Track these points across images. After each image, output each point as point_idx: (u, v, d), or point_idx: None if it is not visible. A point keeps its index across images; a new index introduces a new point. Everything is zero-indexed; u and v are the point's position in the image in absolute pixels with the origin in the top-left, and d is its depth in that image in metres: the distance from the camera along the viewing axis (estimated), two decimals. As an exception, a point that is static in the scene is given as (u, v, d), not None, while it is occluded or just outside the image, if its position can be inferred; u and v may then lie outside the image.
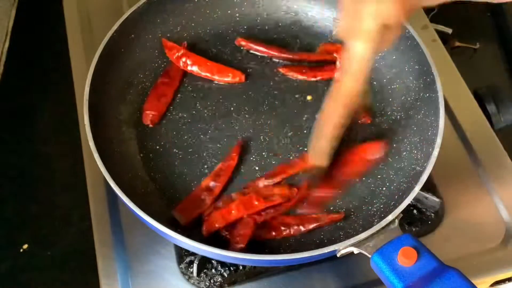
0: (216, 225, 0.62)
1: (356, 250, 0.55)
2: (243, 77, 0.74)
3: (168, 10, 0.76)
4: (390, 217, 0.56)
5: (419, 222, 0.68)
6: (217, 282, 0.64)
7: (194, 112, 0.72)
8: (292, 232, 0.63)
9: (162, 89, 0.73)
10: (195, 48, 0.77)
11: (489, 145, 0.76)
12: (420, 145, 0.66)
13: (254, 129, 0.71)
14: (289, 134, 0.71)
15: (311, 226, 0.63)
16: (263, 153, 0.69)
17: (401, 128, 0.71)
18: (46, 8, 0.96)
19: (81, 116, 0.69)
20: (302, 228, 0.63)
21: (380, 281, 0.53)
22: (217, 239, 0.62)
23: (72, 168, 0.79)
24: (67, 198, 0.79)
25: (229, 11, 0.80)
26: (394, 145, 0.70)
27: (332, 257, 0.57)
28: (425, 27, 0.87)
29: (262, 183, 0.65)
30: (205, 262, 0.65)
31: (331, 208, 0.65)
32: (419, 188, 0.59)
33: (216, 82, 0.74)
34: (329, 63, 0.76)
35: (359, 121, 0.71)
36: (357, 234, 0.55)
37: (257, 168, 0.68)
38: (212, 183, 0.65)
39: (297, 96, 0.74)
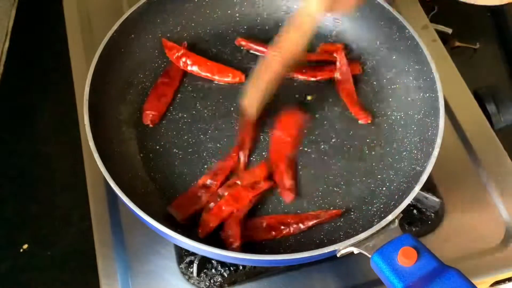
0: (211, 225, 0.62)
1: (356, 250, 0.55)
2: (243, 77, 0.74)
3: (168, 10, 0.76)
4: (390, 217, 0.56)
5: (419, 222, 0.68)
6: (217, 282, 0.64)
7: (194, 112, 0.72)
8: (291, 231, 0.63)
9: (162, 89, 0.73)
10: (195, 48, 0.77)
11: (489, 145, 0.76)
12: (420, 145, 0.66)
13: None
14: (289, 134, 0.71)
15: (311, 223, 0.63)
16: (263, 153, 0.69)
17: (401, 128, 0.71)
18: (46, 8, 0.96)
19: (81, 116, 0.69)
20: (301, 226, 0.63)
21: (380, 281, 0.53)
22: (217, 239, 0.61)
23: (72, 168, 0.79)
24: (67, 198, 0.79)
25: (229, 11, 0.80)
26: (394, 145, 0.70)
27: (332, 257, 0.57)
28: (425, 27, 0.87)
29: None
30: (205, 262, 0.65)
31: (331, 208, 0.65)
32: (419, 188, 0.59)
33: (216, 82, 0.74)
34: (329, 63, 0.76)
35: (359, 121, 0.71)
36: (357, 234, 0.55)
37: (257, 168, 0.68)
38: (209, 181, 0.65)
39: (297, 96, 0.74)
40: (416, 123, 0.69)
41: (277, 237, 0.63)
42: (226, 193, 0.64)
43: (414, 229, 0.68)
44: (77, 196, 0.74)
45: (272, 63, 0.64)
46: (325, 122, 0.72)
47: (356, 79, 0.75)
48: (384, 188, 0.66)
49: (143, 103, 0.72)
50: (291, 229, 0.63)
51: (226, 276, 0.65)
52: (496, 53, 0.94)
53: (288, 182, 0.66)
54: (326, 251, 0.54)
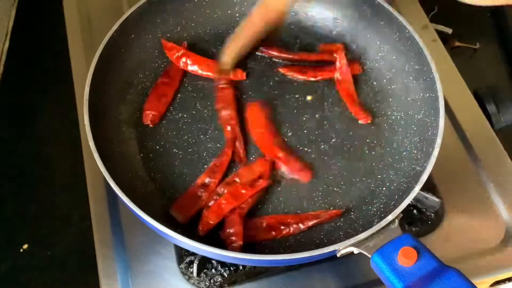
0: (211, 222, 0.62)
1: (356, 250, 0.55)
2: (244, 75, 0.74)
3: (168, 10, 0.76)
4: (390, 217, 0.56)
5: (419, 222, 0.68)
6: (217, 282, 0.64)
7: (194, 112, 0.72)
8: (291, 231, 0.63)
9: (162, 89, 0.73)
10: (195, 48, 0.77)
11: (489, 145, 0.76)
12: (420, 145, 0.66)
13: (254, 129, 0.71)
14: (289, 134, 0.71)
15: (310, 223, 0.63)
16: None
17: (401, 128, 0.71)
18: (46, 8, 0.96)
19: (81, 116, 0.69)
20: (301, 226, 0.63)
21: (380, 281, 0.53)
22: (217, 239, 0.61)
23: (72, 168, 0.79)
24: (67, 198, 0.79)
25: (229, 11, 0.80)
26: (394, 145, 0.70)
27: (332, 257, 0.57)
28: (425, 27, 0.87)
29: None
30: (205, 262, 0.65)
31: (331, 208, 0.65)
32: (419, 188, 0.59)
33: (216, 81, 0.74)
34: (329, 63, 0.76)
35: (359, 121, 0.71)
36: (357, 234, 0.55)
37: (257, 168, 0.68)
38: (207, 179, 0.65)
39: (297, 96, 0.74)
40: (416, 123, 0.69)
41: (277, 237, 0.63)
42: (225, 191, 0.64)
43: (414, 229, 0.68)
44: (77, 196, 0.74)
45: (254, 19, 0.67)
46: (325, 122, 0.72)
47: (356, 79, 0.75)
48: (384, 188, 0.66)
49: (143, 103, 0.72)
50: (291, 229, 0.63)
51: (226, 276, 0.65)
52: (496, 53, 0.94)
53: (296, 165, 0.67)
54: (326, 251, 0.54)
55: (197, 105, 0.73)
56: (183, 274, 0.65)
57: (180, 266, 0.65)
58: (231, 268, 0.65)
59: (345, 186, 0.67)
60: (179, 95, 0.74)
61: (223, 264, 0.65)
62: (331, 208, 0.65)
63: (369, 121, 0.71)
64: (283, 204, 0.66)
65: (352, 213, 0.65)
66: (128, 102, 0.72)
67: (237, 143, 0.68)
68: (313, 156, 0.69)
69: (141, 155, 0.68)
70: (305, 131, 0.71)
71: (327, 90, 0.75)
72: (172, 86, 0.74)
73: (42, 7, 0.97)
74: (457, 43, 0.92)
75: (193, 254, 0.65)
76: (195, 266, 0.64)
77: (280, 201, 0.66)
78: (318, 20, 0.80)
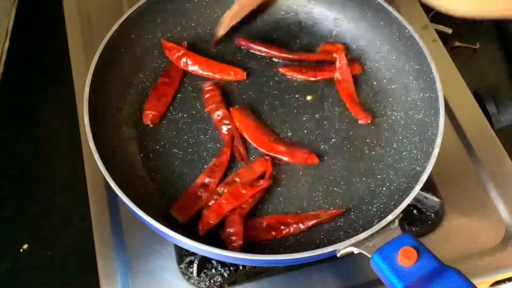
0: (211, 222, 0.62)
1: (356, 250, 0.55)
2: (244, 75, 0.74)
3: (168, 10, 0.76)
4: (390, 217, 0.56)
5: (419, 222, 0.68)
6: (217, 282, 0.64)
7: (194, 112, 0.72)
8: (291, 231, 0.63)
9: (162, 89, 0.73)
10: (195, 48, 0.77)
11: (489, 145, 0.76)
12: (420, 145, 0.66)
13: (254, 129, 0.71)
14: (289, 134, 0.71)
15: (310, 223, 0.63)
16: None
17: (401, 128, 0.71)
18: (46, 8, 0.96)
19: (81, 116, 0.69)
20: (301, 226, 0.63)
21: (380, 281, 0.53)
22: (217, 239, 0.62)
23: (72, 168, 0.79)
24: (67, 198, 0.79)
25: (229, 11, 0.80)
26: (394, 145, 0.70)
27: (332, 257, 0.57)
28: (425, 27, 0.87)
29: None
30: (205, 262, 0.65)
31: (331, 208, 0.65)
32: (419, 188, 0.59)
33: (216, 81, 0.74)
34: (329, 63, 0.76)
35: (359, 121, 0.71)
36: (357, 234, 0.55)
37: (257, 168, 0.68)
38: (207, 179, 0.65)
39: (297, 96, 0.74)
40: (416, 123, 0.69)
41: (277, 237, 0.63)
42: (225, 191, 0.64)
43: (414, 229, 0.68)
44: (77, 196, 0.74)
45: None
46: (325, 122, 0.72)
47: (356, 79, 0.75)
48: (384, 188, 0.66)
49: (143, 103, 0.72)
50: (291, 229, 0.63)
51: (226, 276, 0.65)
52: (496, 53, 0.94)
53: (300, 154, 0.67)
54: (326, 251, 0.54)
55: (197, 105, 0.73)
56: (183, 274, 0.65)
57: (180, 266, 0.65)
58: (231, 268, 0.65)
59: (345, 186, 0.67)
60: (179, 95, 0.74)
61: (223, 264, 0.65)
62: (331, 208, 0.65)
63: (369, 121, 0.71)
64: (283, 204, 0.66)
65: (352, 213, 0.65)
66: (128, 102, 0.72)
67: (236, 141, 0.68)
68: (313, 156, 0.69)
69: (141, 155, 0.68)
70: (305, 131, 0.71)
71: (327, 90, 0.75)
72: (172, 86, 0.74)
73: (42, 7, 0.97)
74: (457, 43, 0.92)
75: (193, 254, 0.65)
76: (195, 266, 0.64)
77: (280, 201, 0.66)
78: (318, 20, 0.80)
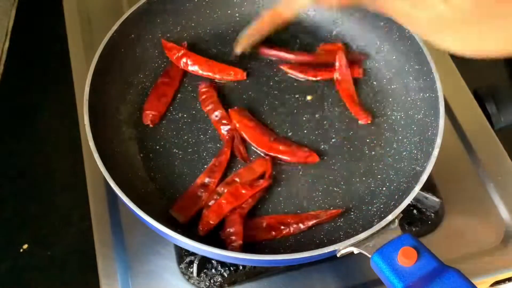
0: (211, 222, 0.62)
1: (356, 250, 0.55)
2: (244, 75, 0.74)
3: (168, 10, 0.76)
4: (390, 217, 0.56)
5: (419, 222, 0.69)
6: (217, 282, 0.64)
7: (194, 112, 0.72)
8: (291, 231, 0.63)
9: (162, 89, 0.73)
10: (195, 48, 0.77)
11: (489, 145, 0.76)
12: (420, 145, 0.66)
13: (254, 129, 0.71)
14: (289, 134, 0.71)
15: (310, 223, 0.63)
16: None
17: (401, 128, 0.71)
18: (46, 8, 0.96)
19: (81, 116, 0.69)
20: (301, 226, 0.63)
21: (380, 281, 0.53)
22: (217, 239, 0.62)
23: (72, 168, 0.79)
24: (67, 198, 0.79)
25: (229, 11, 0.80)
26: (394, 145, 0.70)
27: (332, 257, 0.57)
28: (425, 27, 0.87)
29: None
30: (205, 262, 0.65)
31: (331, 208, 0.65)
32: (419, 188, 0.59)
33: (216, 81, 0.74)
34: (329, 64, 0.75)
35: (359, 122, 0.71)
36: (357, 234, 0.55)
37: (257, 168, 0.68)
38: (207, 179, 0.65)
39: (297, 96, 0.74)
40: (416, 123, 0.69)
41: (277, 237, 0.63)
42: (225, 191, 0.64)
43: (414, 229, 0.68)
44: (77, 196, 0.74)
45: (265, 20, 0.69)
46: (325, 122, 0.72)
47: (356, 79, 0.75)
48: (384, 188, 0.66)
49: (143, 103, 0.72)
50: (291, 229, 0.63)
51: (226, 276, 0.65)
52: (496, 53, 0.94)
53: (300, 153, 0.67)
54: (326, 251, 0.54)
55: (197, 105, 0.73)
56: (183, 274, 0.65)
57: (180, 266, 0.65)
58: (231, 268, 0.65)
59: (345, 186, 0.67)
60: (179, 95, 0.74)
61: (223, 264, 0.65)
62: (331, 208, 0.65)
63: (369, 121, 0.71)
64: (283, 204, 0.66)
65: (352, 213, 0.65)
66: (128, 102, 0.72)
67: (236, 140, 0.68)
68: (313, 156, 0.69)
69: (141, 155, 0.68)
70: (305, 131, 0.71)
71: (327, 90, 0.75)
72: (172, 86, 0.74)
73: (42, 7, 0.97)
74: (457, 43, 0.91)
75: (193, 254, 0.65)
76: (195, 266, 0.64)
77: (280, 201, 0.66)
78: (318, 20, 0.80)
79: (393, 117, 0.72)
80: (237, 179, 0.65)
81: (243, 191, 0.63)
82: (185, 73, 0.75)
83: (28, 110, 0.88)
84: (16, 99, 0.89)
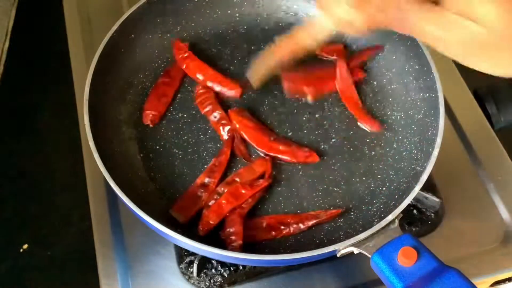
0: (211, 222, 0.62)
1: (356, 250, 0.55)
2: (238, 93, 0.72)
3: (168, 10, 0.76)
4: (390, 217, 0.56)
5: (419, 222, 0.68)
6: (217, 282, 0.64)
7: (194, 112, 0.72)
8: (291, 231, 0.63)
9: (162, 89, 0.73)
10: (195, 48, 0.77)
11: (489, 145, 0.76)
12: (420, 145, 0.66)
13: (254, 129, 0.71)
14: (289, 134, 0.71)
15: (310, 223, 0.63)
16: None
17: (401, 128, 0.71)
18: (46, 8, 0.96)
19: (81, 116, 0.69)
20: (301, 226, 0.63)
21: (380, 281, 0.53)
22: (217, 239, 0.62)
23: (72, 168, 0.79)
24: (67, 198, 0.79)
25: (229, 11, 0.80)
26: (394, 145, 0.70)
27: (332, 257, 0.57)
28: (425, 27, 0.87)
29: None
30: (205, 262, 0.65)
31: (331, 208, 0.65)
32: (419, 188, 0.59)
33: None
34: (329, 64, 0.75)
35: (359, 122, 0.71)
36: (357, 234, 0.55)
37: (257, 168, 0.68)
38: (207, 179, 0.65)
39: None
40: (416, 123, 0.69)
41: (277, 237, 0.63)
42: (225, 190, 0.64)
43: (414, 229, 0.68)
44: (77, 196, 0.74)
45: (280, 50, 0.66)
46: (325, 122, 0.72)
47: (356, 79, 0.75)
48: (384, 188, 0.66)
49: (143, 103, 0.72)
50: (291, 229, 0.63)
51: (226, 276, 0.65)
52: (496, 53, 0.94)
53: (301, 153, 0.67)
54: (326, 251, 0.54)
55: (197, 105, 0.73)
56: (183, 274, 0.65)
57: (180, 266, 0.65)
58: (231, 268, 0.65)
59: (345, 186, 0.67)
60: (179, 95, 0.74)
61: (223, 264, 0.65)
62: (331, 208, 0.65)
63: (379, 130, 0.70)
64: (283, 204, 0.66)
65: (352, 213, 0.65)
66: (128, 102, 0.72)
67: (236, 140, 0.68)
68: (313, 156, 0.69)
69: (141, 155, 0.68)
70: (305, 131, 0.71)
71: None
72: (172, 86, 0.74)
73: (42, 7, 0.97)
74: (457, 43, 0.91)
75: (193, 254, 0.65)
76: (195, 266, 0.64)
77: (280, 201, 0.66)
78: (318, 20, 0.80)
79: (393, 117, 0.72)
80: (237, 179, 0.65)
81: (243, 191, 0.63)
82: (186, 73, 0.75)
83: (28, 110, 0.88)
84: (16, 99, 0.89)
